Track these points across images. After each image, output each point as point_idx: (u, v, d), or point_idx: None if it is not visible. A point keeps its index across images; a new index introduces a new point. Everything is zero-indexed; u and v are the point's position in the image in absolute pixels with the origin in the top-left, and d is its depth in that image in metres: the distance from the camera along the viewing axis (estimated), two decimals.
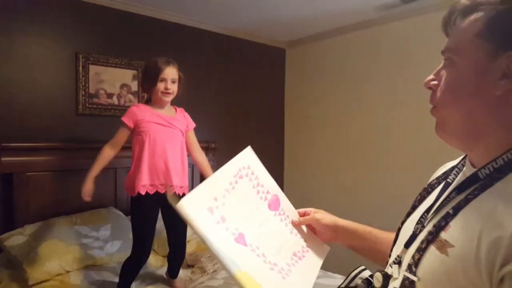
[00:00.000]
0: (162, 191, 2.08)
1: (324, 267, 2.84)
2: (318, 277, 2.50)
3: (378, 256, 0.85)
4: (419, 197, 0.82)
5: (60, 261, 2.17)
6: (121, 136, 2.10)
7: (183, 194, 2.10)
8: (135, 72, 3.00)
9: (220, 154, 3.50)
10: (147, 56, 3.05)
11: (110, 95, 2.89)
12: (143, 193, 2.05)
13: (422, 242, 0.66)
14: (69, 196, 2.58)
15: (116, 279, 2.15)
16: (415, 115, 2.88)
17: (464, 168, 0.73)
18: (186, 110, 3.31)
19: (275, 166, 4.07)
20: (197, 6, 3.00)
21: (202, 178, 3.34)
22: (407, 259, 0.70)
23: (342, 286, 1.13)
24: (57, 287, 2.10)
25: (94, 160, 2.47)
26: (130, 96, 2.99)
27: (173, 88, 2.13)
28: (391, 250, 0.82)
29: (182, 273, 2.47)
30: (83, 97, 2.75)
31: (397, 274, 0.71)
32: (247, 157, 0.99)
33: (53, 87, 2.66)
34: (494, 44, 0.61)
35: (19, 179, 2.42)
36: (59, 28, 2.67)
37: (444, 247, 0.61)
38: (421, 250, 0.65)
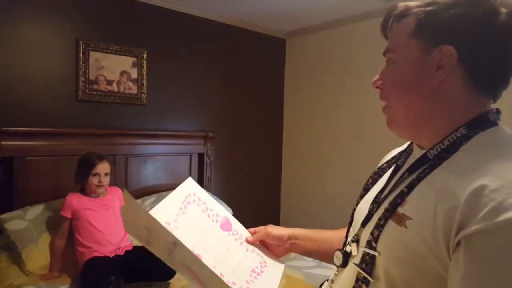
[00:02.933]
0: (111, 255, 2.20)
1: None
2: (313, 267, 2.55)
3: (330, 254, 0.88)
4: (370, 180, 0.89)
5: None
6: (65, 227, 2.25)
7: (134, 247, 2.27)
8: (135, 59, 3.00)
9: (218, 144, 3.52)
10: (148, 43, 3.07)
11: (110, 82, 2.89)
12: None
13: (379, 219, 0.71)
14: (68, 181, 2.59)
15: None
16: None
17: (413, 152, 0.80)
18: (184, 100, 3.34)
19: (273, 157, 4.09)
20: None
21: (201, 175, 3.37)
22: (365, 237, 0.74)
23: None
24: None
25: (94, 146, 2.50)
26: (130, 83, 3.00)
27: (106, 181, 2.33)
28: (347, 231, 0.88)
29: None
30: (83, 83, 2.75)
31: (356, 251, 0.76)
32: (191, 186, 1.00)
33: (54, 73, 2.67)
34: (426, 41, 0.69)
35: (19, 163, 2.44)
36: (59, 14, 2.67)
37: (402, 220, 0.66)
38: (380, 227, 0.70)
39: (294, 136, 4.07)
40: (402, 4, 0.74)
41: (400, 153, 0.87)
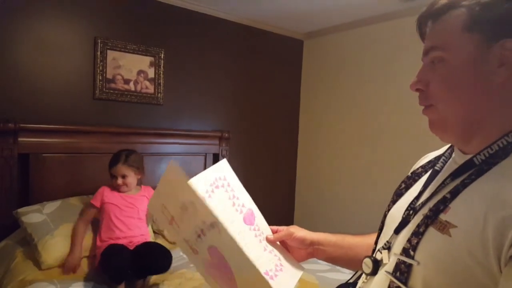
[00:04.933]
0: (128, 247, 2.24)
1: None
2: (327, 270, 2.51)
3: (355, 261, 0.84)
4: (404, 185, 0.84)
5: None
6: (90, 213, 2.33)
7: (144, 242, 2.30)
8: (152, 59, 3.01)
9: (233, 144, 3.51)
10: (165, 43, 3.08)
11: (127, 81, 2.91)
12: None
13: (418, 226, 0.66)
14: (84, 178, 2.62)
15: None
16: None
17: (454, 156, 0.75)
18: (200, 100, 3.33)
19: (288, 158, 4.06)
20: None
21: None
22: (400, 244, 0.69)
23: (351, 281, 1.12)
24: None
25: (110, 144, 2.51)
26: (147, 83, 3.00)
27: (125, 181, 2.35)
28: (377, 238, 0.83)
29: None
30: (100, 82, 2.77)
31: (387, 259, 0.72)
32: (224, 169, 0.94)
33: (71, 71, 2.69)
34: (484, 35, 0.63)
35: (36, 159, 2.46)
36: (78, 13, 2.69)
37: (445, 228, 0.61)
38: (419, 234, 0.65)
39: (309, 137, 4.03)
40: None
41: (438, 158, 0.81)
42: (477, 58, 0.63)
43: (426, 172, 0.81)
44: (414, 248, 0.65)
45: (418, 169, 0.85)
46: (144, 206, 2.42)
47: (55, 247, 2.16)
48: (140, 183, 2.49)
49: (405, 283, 0.65)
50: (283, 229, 1.02)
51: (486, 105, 0.64)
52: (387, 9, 3.15)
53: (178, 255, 2.37)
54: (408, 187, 0.82)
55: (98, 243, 2.25)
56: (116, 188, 2.36)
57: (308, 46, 4.06)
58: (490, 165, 0.63)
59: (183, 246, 0.88)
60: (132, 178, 2.39)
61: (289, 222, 4.09)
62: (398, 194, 0.83)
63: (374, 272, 0.75)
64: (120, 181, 2.34)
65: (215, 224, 0.79)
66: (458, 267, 0.58)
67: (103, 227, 2.27)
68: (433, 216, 0.64)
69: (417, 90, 0.72)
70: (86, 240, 2.29)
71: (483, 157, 0.65)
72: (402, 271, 0.66)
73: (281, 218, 3.99)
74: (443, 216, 0.63)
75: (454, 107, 0.67)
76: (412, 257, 0.65)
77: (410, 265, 0.65)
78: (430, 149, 0.88)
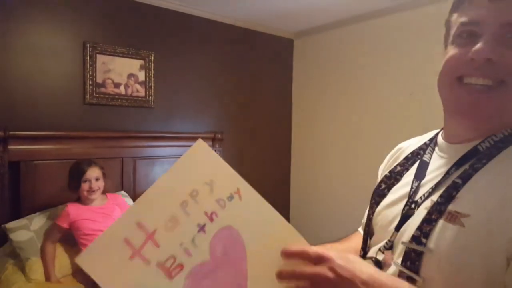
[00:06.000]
0: None
1: None
2: None
3: None
4: (384, 185, 0.81)
5: (60, 266, 2.23)
6: (56, 234, 2.25)
7: None
8: (142, 62, 2.99)
9: (226, 145, 3.50)
10: (155, 46, 3.06)
11: (117, 85, 2.88)
12: None
13: (430, 213, 0.62)
14: None
15: None
16: (425, 107, 2.84)
17: (438, 146, 0.74)
18: (192, 102, 3.32)
19: (282, 157, 4.06)
20: None
21: None
22: (408, 234, 0.66)
23: None
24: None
25: (101, 149, 2.48)
26: (137, 86, 2.99)
27: (98, 185, 2.30)
28: (364, 243, 0.80)
29: None
30: (90, 87, 2.75)
31: (391, 259, 0.69)
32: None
33: (61, 76, 2.66)
34: None
35: (26, 167, 2.43)
36: (67, 17, 2.67)
37: (456, 218, 0.59)
38: (432, 221, 0.61)
39: (303, 136, 4.04)
40: None
41: (415, 152, 0.80)
42: None
43: (407, 169, 0.79)
44: (426, 235, 0.61)
45: (396, 167, 0.83)
46: (117, 213, 2.34)
47: (41, 269, 2.15)
48: (104, 191, 2.42)
49: (416, 272, 0.61)
50: None
51: None
52: (376, 7, 3.16)
53: None
54: (390, 186, 0.80)
55: None
56: (88, 194, 2.27)
57: (298, 45, 4.06)
58: (499, 149, 0.62)
59: (147, 284, 0.72)
60: (102, 182, 2.34)
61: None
62: (380, 195, 0.81)
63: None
64: (94, 184, 2.27)
65: (237, 191, 0.77)
66: (471, 257, 0.56)
67: (83, 243, 2.19)
68: (446, 203, 0.62)
69: (487, 60, 0.62)
70: (65, 259, 2.26)
71: (488, 145, 0.63)
72: (412, 260, 0.62)
73: None
74: (451, 207, 0.61)
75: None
76: (424, 244, 0.61)
77: (421, 253, 0.61)
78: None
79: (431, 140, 0.78)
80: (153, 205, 0.74)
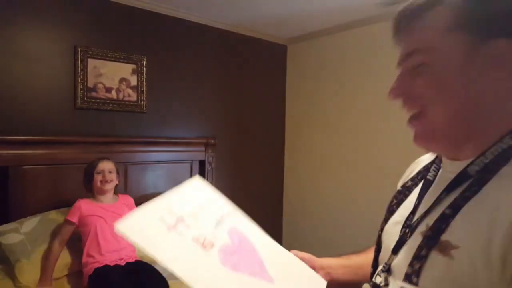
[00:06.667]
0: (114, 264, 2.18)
1: None
2: None
3: (366, 281, 0.79)
4: (395, 201, 0.78)
5: (56, 268, 2.18)
6: (67, 232, 2.23)
7: (136, 260, 2.27)
8: (134, 66, 2.97)
9: (219, 151, 3.48)
10: (147, 50, 3.04)
11: (108, 89, 2.85)
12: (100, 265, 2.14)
13: (420, 248, 0.60)
14: (66, 190, 2.55)
15: None
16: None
17: (443, 165, 0.70)
18: (185, 107, 3.30)
19: (275, 162, 4.04)
20: (199, 1, 2.96)
21: (201, 174, 3.33)
22: (400, 267, 0.64)
23: None
24: None
25: (93, 154, 2.45)
26: (129, 91, 2.95)
27: (111, 176, 2.35)
28: (375, 260, 0.78)
29: None
30: (82, 91, 2.71)
31: (383, 281, 0.67)
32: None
33: (51, 81, 2.63)
34: (471, 35, 0.57)
35: (15, 172, 2.39)
36: (57, 21, 2.64)
37: (447, 249, 0.56)
38: (422, 258, 0.59)
39: (296, 142, 4.03)
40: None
41: (427, 166, 0.75)
42: (466, 58, 0.58)
43: (416, 185, 0.76)
44: (418, 274, 0.59)
45: (407, 182, 0.80)
46: (126, 214, 2.36)
47: (31, 272, 2.11)
48: (116, 191, 2.46)
49: None
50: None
51: (477, 108, 0.59)
52: (367, 14, 3.17)
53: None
54: (399, 202, 0.77)
55: (84, 259, 2.16)
56: (101, 185, 2.30)
57: (292, 50, 4.07)
58: (489, 174, 0.58)
59: (187, 252, 0.81)
60: (115, 176, 2.38)
61: (277, 228, 4.07)
62: (390, 211, 0.78)
63: None
64: (107, 175, 2.31)
65: (229, 214, 0.90)
66: None
67: (88, 241, 2.18)
68: (435, 237, 0.59)
69: (399, 97, 0.66)
70: (64, 259, 2.23)
71: (477, 168, 0.59)
72: None
73: (269, 224, 3.95)
74: (443, 236, 0.58)
75: (441, 116, 0.61)
76: (416, 284, 0.59)
77: None
78: (416, 150, 0.83)
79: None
80: (183, 197, 0.87)
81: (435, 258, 0.58)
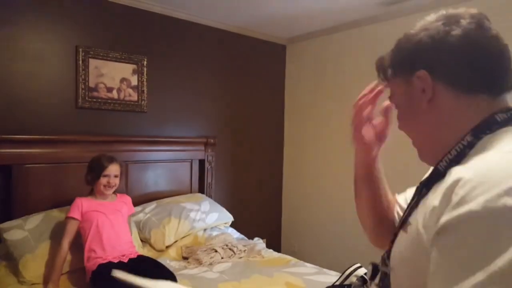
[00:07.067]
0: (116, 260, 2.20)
1: (319, 264, 2.84)
2: (314, 273, 2.54)
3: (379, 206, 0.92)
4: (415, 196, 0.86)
5: None
6: (73, 229, 2.23)
7: (138, 256, 2.30)
8: (135, 66, 3.00)
9: (219, 150, 3.51)
10: (148, 50, 3.07)
11: (110, 89, 2.89)
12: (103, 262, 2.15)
13: (395, 234, 0.73)
14: (68, 188, 2.59)
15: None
16: None
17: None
18: (185, 106, 3.33)
19: (275, 162, 4.08)
20: (199, 1, 3.00)
21: (202, 181, 3.36)
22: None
23: (337, 283, 1.15)
24: None
25: (94, 153, 2.48)
26: (130, 90, 2.99)
27: (115, 181, 2.37)
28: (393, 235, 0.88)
29: (177, 264, 2.50)
30: (83, 91, 2.75)
31: (381, 263, 0.77)
32: None
33: (53, 80, 2.66)
34: (402, 76, 0.76)
35: (18, 171, 2.43)
36: (59, 22, 2.67)
37: (406, 227, 0.69)
38: (392, 241, 0.72)
39: (295, 141, 4.06)
40: (377, 60, 0.87)
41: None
42: (409, 93, 0.74)
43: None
44: (388, 256, 0.71)
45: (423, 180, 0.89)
46: (125, 211, 2.42)
47: (35, 267, 2.13)
48: (115, 190, 2.46)
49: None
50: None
51: (433, 126, 0.72)
52: (367, 14, 3.20)
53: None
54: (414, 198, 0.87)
55: (87, 253, 2.18)
56: (104, 189, 2.31)
57: (291, 50, 4.10)
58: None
59: None
60: (118, 180, 2.40)
61: (276, 225, 4.11)
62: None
63: (372, 277, 0.79)
64: (112, 180, 2.33)
65: None
66: (412, 259, 0.64)
67: (90, 236, 2.20)
68: (405, 221, 0.70)
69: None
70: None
71: (445, 164, 0.68)
72: (384, 283, 0.71)
73: (268, 221, 4.00)
74: (409, 219, 0.70)
75: (415, 137, 0.79)
76: (387, 265, 0.71)
77: (387, 274, 0.70)
78: (409, 149, 0.88)
79: None
80: None
81: (400, 236, 0.71)
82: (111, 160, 2.37)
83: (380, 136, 1.00)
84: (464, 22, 0.68)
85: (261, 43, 3.90)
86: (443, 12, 0.73)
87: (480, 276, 0.46)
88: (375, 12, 3.15)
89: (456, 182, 0.55)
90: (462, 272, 0.48)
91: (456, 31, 0.68)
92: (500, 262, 0.46)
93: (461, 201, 0.52)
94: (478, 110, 0.67)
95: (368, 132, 1.00)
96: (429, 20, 0.75)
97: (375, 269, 0.78)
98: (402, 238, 0.69)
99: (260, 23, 3.56)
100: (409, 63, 0.74)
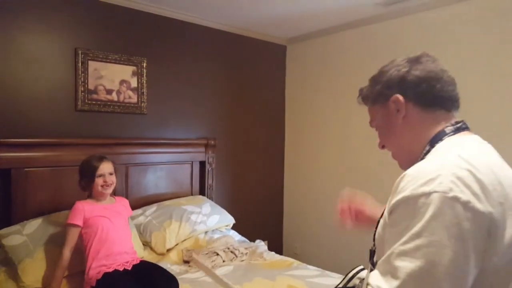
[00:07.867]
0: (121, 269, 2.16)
1: (322, 266, 2.81)
2: (316, 276, 2.52)
3: None
4: None
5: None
6: (74, 236, 2.15)
7: (140, 261, 2.26)
8: (134, 68, 2.99)
9: (220, 151, 3.50)
10: (147, 52, 3.06)
11: (109, 91, 2.87)
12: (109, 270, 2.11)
13: (378, 221, 0.91)
14: (67, 192, 2.57)
15: None
16: None
17: None
18: (185, 108, 3.32)
19: (275, 164, 4.06)
20: (198, 2, 2.98)
21: (202, 183, 3.35)
22: None
23: (340, 285, 1.15)
24: None
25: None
26: (130, 93, 2.98)
27: (112, 179, 2.27)
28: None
29: (178, 268, 2.48)
30: (82, 93, 2.74)
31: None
32: None
33: (52, 83, 2.65)
34: (381, 103, 0.97)
35: (17, 174, 2.41)
36: (58, 24, 2.66)
37: (382, 213, 0.88)
38: (376, 226, 0.90)
39: (296, 142, 4.04)
40: (359, 91, 1.11)
41: None
42: (386, 115, 0.96)
43: None
44: (374, 237, 0.92)
45: None
46: (126, 214, 2.38)
47: (34, 271, 2.11)
48: (113, 193, 2.41)
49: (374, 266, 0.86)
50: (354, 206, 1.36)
51: (408, 138, 0.94)
52: (367, 14, 3.19)
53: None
54: None
55: (89, 261, 2.10)
56: (102, 189, 2.22)
57: (291, 51, 4.08)
58: None
59: None
60: (115, 177, 2.31)
61: (277, 228, 4.09)
62: None
63: (370, 258, 0.95)
64: (108, 178, 2.24)
65: None
66: (383, 236, 0.83)
67: (94, 243, 2.12)
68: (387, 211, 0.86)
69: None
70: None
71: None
72: (372, 259, 0.92)
73: (270, 222, 3.98)
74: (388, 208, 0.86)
75: (394, 150, 1.00)
76: (374, 244, 0.92)
77: (374, 251, 0.92)
78: None
79: None
80: None
81: (380, 221, 0.89)
82: (101, 158, 2.27)
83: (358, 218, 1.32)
84: (423, 59, 0.92)
85: (262, 43, 3.89)
86: (408, 56, 0.96)
87: (405, 237, 0.72)
88: (375, 12, 3.14)
89: (401, 177, 0.78)
90: (398, 237, 0.73)
91: (418, 65, 0.92)
92: (416, 228, 0.71)
93: (401, 190, 0.76)
94: (436, 123, 0.90)
95: (348, 223, 1.32)
96: (397, 60, 0.97)
97: (371, 252, 0.94)
98: (380, 222, 0.87)
99: (261, 24, 3.54)
100: (385, 91, 0.95)
